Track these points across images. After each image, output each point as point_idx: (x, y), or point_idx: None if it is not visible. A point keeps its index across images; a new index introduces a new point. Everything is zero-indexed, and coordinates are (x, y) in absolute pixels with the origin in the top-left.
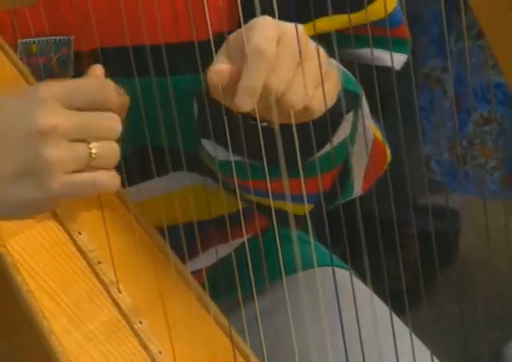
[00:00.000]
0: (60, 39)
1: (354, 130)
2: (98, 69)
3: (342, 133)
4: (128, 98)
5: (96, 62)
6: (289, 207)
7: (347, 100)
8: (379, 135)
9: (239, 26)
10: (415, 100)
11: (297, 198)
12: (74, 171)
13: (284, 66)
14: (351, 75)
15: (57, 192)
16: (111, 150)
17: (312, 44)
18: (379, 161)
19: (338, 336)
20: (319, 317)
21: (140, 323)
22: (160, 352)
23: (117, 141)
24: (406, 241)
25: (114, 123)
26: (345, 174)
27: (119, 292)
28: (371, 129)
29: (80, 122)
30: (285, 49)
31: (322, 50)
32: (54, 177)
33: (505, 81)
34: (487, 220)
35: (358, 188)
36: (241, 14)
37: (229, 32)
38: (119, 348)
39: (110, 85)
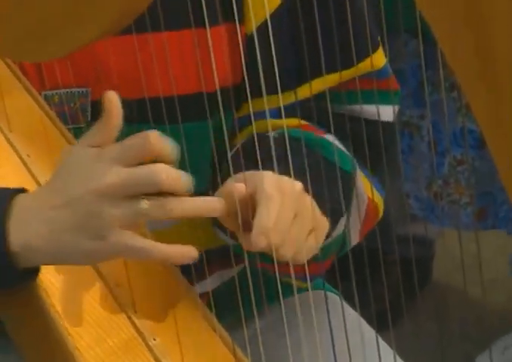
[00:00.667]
0: (79, 91)
1: (349, 215)
2: (115, 112)
3: (341, 226)
4: (174, 147)
5: None
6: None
7: (344, 181)
8: (372, 192)
9: (243, 81)
10: (398, 145)
11: (299, 276)
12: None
13: (283, 222)
14: (345, 152)
15: (114, 244)
16: (161, 207)
17: (307, 198)
18: (373, 216)
19: (330, 354)
20: (313, 336)
21: (154, 339)
22: None
23: None
24: (389, 267)
25: (164, 176)
26: (343, 247)
27: (135, 312)
28: (367, 189)
29: (134, 180)
30: (285, 204)
31: (314, 203)
32: (111, 231)
33: (476, 128)
34: (461, 248)
35: (354, 242)
36: (245, 70)
37: (234, 85)
38: (135, 361)
39: (158, 140)
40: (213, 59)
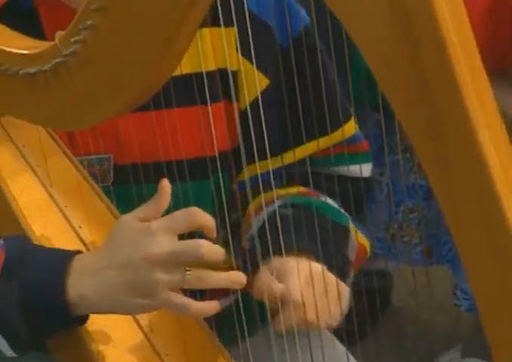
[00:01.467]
0: (104, 157)
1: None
2: (166, 187)
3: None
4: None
5: (133, 173)
6: None
7: (345, 235)
8: (359, 237)
9: (238, 146)
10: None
11: None
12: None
13: (313, 304)
14: (338, 207)
15: (160, 301)
16: (200, 279)
17: (331, 276)
18: (362, 257)
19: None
20: (295, 352)
21: (167, 355)
22: None
23: None
24: (357, 296)
25: (206, 250)
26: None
27: (152, 332)
28: (356, 235)
29: (181, 251)
30: (313, 290)
31: (340, 282)
32: (159, 293)
33: (425, 183)
34: (414, 280)
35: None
36: (240, 139)
37: (233, 150)
38: None
39: (202, 215)
40: (213, 130)
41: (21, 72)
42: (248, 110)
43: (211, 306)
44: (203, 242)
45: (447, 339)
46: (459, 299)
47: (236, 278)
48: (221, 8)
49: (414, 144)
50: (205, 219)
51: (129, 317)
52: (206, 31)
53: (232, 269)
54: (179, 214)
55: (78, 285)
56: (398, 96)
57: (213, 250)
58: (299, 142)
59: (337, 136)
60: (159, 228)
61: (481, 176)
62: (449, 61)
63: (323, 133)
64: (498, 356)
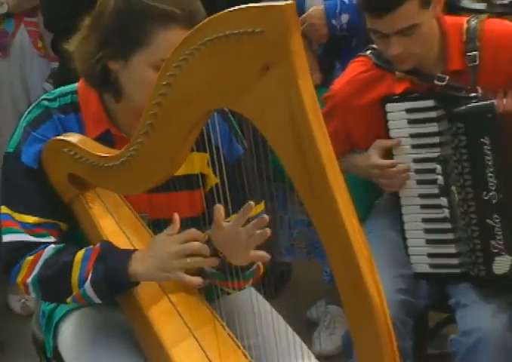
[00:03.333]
0: (145, 215)
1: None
2: (176, 217)
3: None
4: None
5: (155, 224)
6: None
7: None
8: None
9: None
10: None
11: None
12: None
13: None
14: None
15: (174, 275)
16: (196, 262)
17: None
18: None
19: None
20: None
21: (176, 304)
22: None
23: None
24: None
25: (196, 247)
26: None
27: (170, 293)
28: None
29: (187, 249)
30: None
31: None
32: (174, 271)
33: (307, 218)
34: (304, 268)
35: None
36: (205, 208)
37: (203, 213)
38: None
39: (197, 234)
40: (196, 203)
41: (104, 165)
42: (213, 191)
43: (196, 280)
44: (196, 244)
45: (318, 296)
46: (325, 276)
47: (212, 262)
48: (201, 141)
49: (301, 197)
50: (197, 236)
51: (160, 289)
52: (193, 154)
53: (211, 256)
54: (187, 234)
55: (136, 266)
56: (295, 173)
57: (201, 248)
58: (233, 213)
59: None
60: (173, 239)
61: (335, 216)
62: (321, 163)
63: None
64: (346, 301)
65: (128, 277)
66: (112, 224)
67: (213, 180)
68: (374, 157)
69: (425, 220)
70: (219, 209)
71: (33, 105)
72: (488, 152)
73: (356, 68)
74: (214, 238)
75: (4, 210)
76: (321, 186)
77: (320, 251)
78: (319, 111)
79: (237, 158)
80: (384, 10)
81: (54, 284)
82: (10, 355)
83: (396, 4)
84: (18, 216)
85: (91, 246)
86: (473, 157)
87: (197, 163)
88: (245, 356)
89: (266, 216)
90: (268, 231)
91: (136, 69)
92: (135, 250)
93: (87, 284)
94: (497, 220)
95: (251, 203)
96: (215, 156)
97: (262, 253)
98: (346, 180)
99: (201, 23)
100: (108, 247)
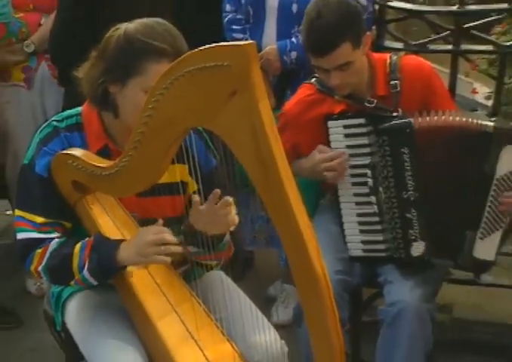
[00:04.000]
0: (135, 215)
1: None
2: (160, 221)
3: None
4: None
5: (143, 222)
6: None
7: None
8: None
9: (183, 213)
10: None
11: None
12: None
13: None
14: None
15: (150, 259)
16: (167, 249)
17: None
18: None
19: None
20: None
21: (159, 283)
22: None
23: None
24: (246, 255)
25: (168, 238)
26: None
27: (152, 274)
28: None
29: (159, 240)
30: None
31: None
32: (150, 255)
33: (266, 214)
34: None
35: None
36: (185, 210)
37: (182, 214)
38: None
39: (163, 230)
40: (177, 205)
41: (102, 174)
42: (194, 196)
43: (168, 259)
44: (167, 235)
45: (275, 277)
46: (281, 261)
47: (179, 250)
48: (181, 154)
49: (261, 198)
50: (166, 231)
51: (147, 272)
52: (175, 165)
53: (180, 244)
54: (158, 228)
55: (122, 253)
56: (256, 179)
57: (172, 238)
58: None
59: None
60: (149, 231)
61: (289, 213)
62: (277, 171)
63: None
64: (298, 280)
65: (116, 263)
66: (109, 222)
67: (193, 187)
68: (316, 155)
69: (359, 214)
70: (195, 197)
71: (44, 124)
72: (407, 160)
73: (303, 92)
74: (193, 219)
75: (18, 212)
76: (277, 189)
77: (277, 241)
78: (275, 128)
79: (211, 169)
80: (324, 52)
81: (59, 272)
82: (28, 329)
83: (333, 47)
84: (29, 216)
85: (86, 239)
86: (396, 164)
87: (179, 173)
88: (217, 327)
89: (230, 198)
90: (230, 199)
91: (130, 92)
92: (122, 240)
93: (85, 271)
94: (414, 214)
95: (228, 197)
96: (193, 167)
97: (232, 217)
98: (298, 184)
99: (181, 58)
100: (100, 239)
